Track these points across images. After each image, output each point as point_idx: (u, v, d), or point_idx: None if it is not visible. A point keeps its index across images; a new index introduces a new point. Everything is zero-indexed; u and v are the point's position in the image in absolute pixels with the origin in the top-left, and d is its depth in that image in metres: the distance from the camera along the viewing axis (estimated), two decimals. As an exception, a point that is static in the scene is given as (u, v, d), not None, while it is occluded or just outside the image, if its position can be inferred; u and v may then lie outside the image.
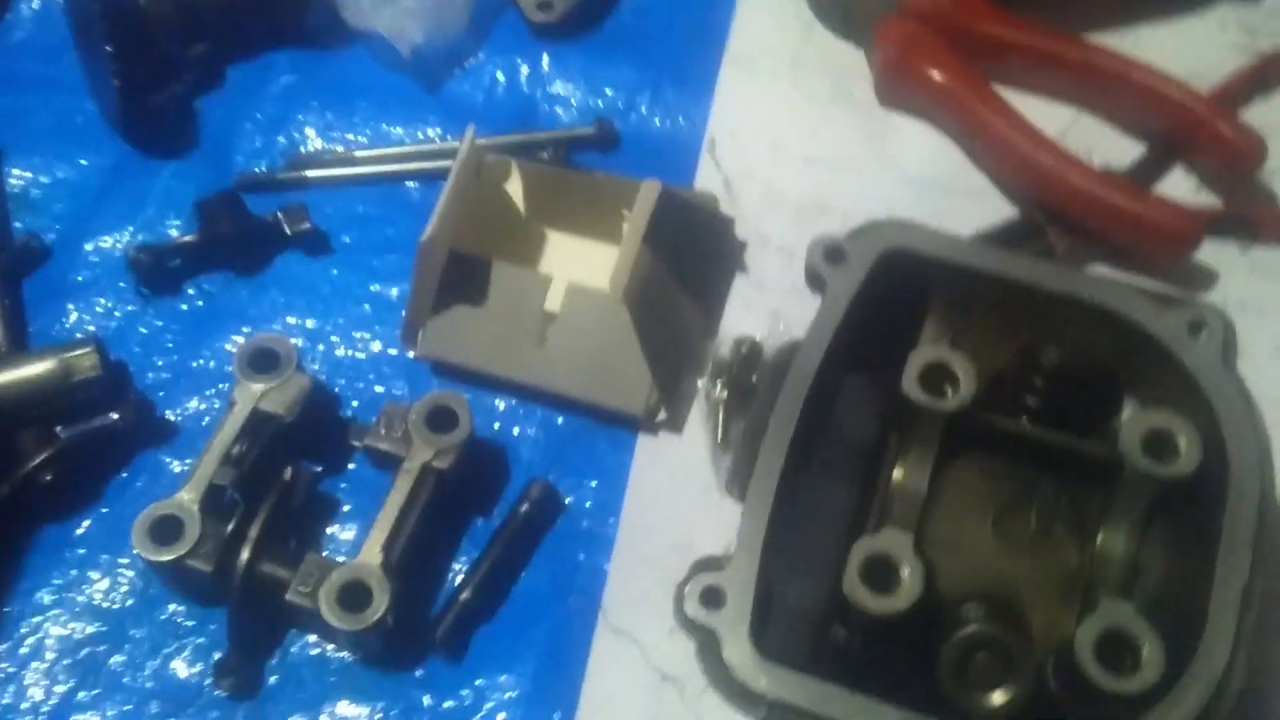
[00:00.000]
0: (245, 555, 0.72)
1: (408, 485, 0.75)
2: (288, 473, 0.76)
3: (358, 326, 0.86)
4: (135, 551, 0.73)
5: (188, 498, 0.74)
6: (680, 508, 0.79)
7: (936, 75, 0.89)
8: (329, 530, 0.79)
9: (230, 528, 0.73)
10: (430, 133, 0.93)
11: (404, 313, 0.83)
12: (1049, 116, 0.89)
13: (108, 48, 0.87)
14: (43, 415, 0.80)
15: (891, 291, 0.73)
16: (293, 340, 0.80)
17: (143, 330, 0.86)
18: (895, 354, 0.71)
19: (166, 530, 0.73)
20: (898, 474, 0.71)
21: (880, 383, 0.72)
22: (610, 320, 0.79)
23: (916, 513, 0.69)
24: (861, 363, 0.73)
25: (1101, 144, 0.89)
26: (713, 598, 0.64)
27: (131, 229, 0.89)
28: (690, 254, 0.84)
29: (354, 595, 0.71)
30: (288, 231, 0.87)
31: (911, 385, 0.69)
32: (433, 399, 0.77)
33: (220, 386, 0.84)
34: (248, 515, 0.73)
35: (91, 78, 0.94)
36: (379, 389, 0.84)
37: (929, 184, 0.90)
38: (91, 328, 0.86)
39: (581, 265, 0.85)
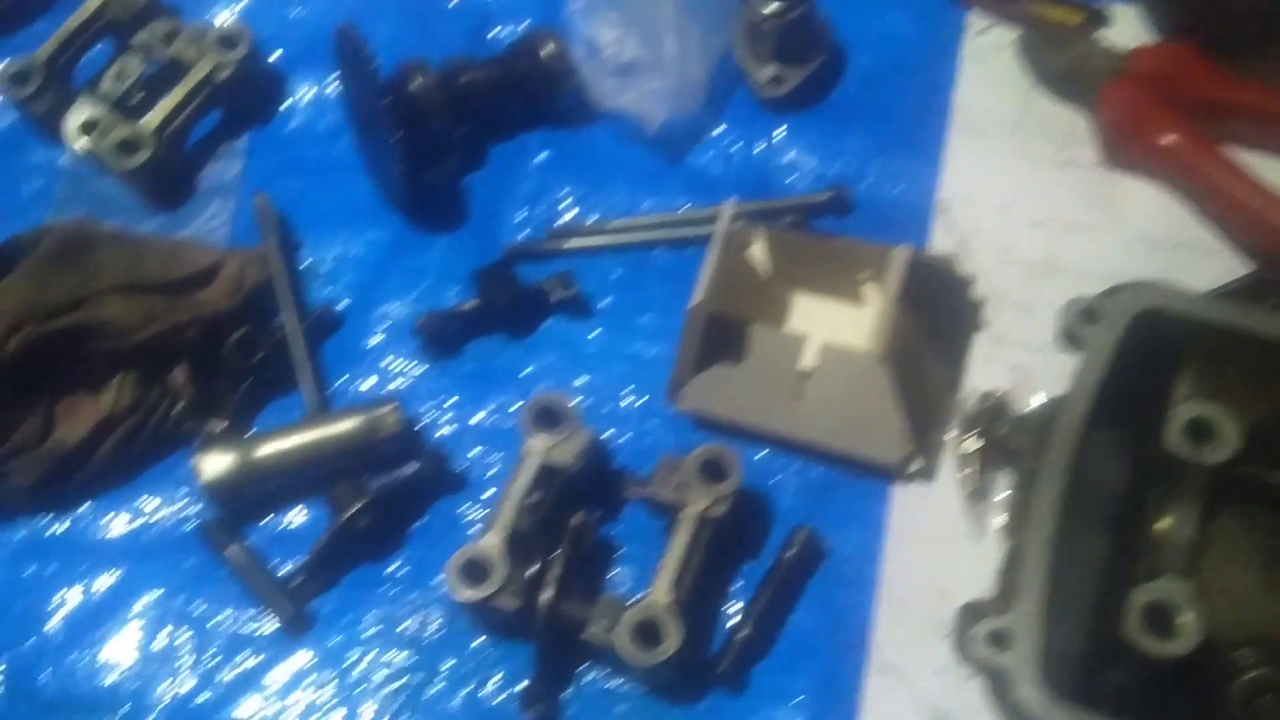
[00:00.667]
0: (549, 595, 0.79)
1: (688, 531, 0.81)
2: (577, 518, 0.83)
3: (621, 383, 0.93)
4: (449, 591, 0.80)
5: (492, 542, 0.81)
6: (938, 552, 0.84)
7: (1163, 137, 0.93)
8: (610, 571, 0.86)
9: (532, 570, 0.81)
10: (676, 202, 1.00)
11: (670, 370, 0.90)
12: (1273, 172, 0.92)
13: (392, 137, 0.96)
14: (349, 468, 0.89)
15: (1144, 348, 0.77)
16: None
17: (429, 389, 0.94)
18: (1147, 407, 0.76)
19: (475, 571, 0.80)
20: (1164, 524, 0.75)
21: (1130, 435, 0.76)
22: (867, 377, 0.84)
23: (1188, 561, 0.72)
24: (1113, 415, 0.77)
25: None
26: (1000, 639, 0.69)
27: (413, 297, 0.97)
28: (934, 312, 0.90)
29: (647, 632, 0.78)
30: (555, 297, 0.95)
31: (1175, 440, 0.73)
32: (705, 452, 0.83)
33: (500, 440, 0.91)
34: (546, 558, 0.81)
35: (369, 160, 1.03)
36: (645, 440, 0.91)
37: (1158, 242, 0.93)
38: (374, 384, 0.94)
39: (827, 324, 0.91)
